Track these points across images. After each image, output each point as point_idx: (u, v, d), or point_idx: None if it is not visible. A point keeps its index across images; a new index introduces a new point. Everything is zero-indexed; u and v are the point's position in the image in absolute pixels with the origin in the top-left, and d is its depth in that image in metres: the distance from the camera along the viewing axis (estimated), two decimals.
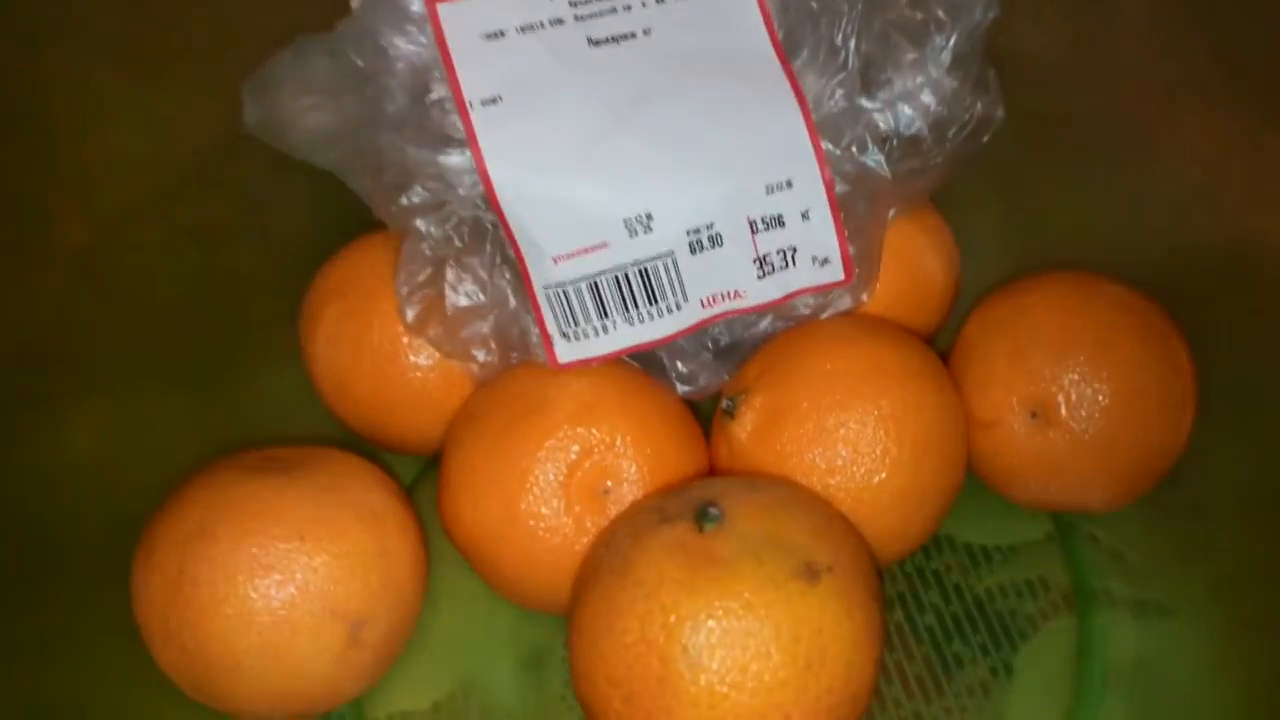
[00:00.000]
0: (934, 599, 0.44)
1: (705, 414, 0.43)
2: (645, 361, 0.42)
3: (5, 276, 0.40)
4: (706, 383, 0.43)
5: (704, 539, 0.34)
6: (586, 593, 0.35)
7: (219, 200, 0.46)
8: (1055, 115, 0.46)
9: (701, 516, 0.34)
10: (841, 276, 0.41)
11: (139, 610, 0.37)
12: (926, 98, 0.38)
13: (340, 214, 0.44)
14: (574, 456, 0.38)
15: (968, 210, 0.46)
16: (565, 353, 0.40)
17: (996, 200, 0.48)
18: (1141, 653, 0.42)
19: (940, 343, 0.45)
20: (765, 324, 0.43)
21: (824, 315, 0.42)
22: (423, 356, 0.42)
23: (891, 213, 0.42)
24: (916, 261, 0.44)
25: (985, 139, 0.40)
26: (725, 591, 0.32)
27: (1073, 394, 0.40)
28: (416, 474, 0.47)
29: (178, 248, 0.45)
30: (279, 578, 0.35)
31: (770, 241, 0.39)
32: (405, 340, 0.42)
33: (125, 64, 0.44)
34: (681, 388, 0.43)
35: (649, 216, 0.38)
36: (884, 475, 0.38)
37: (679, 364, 0.42)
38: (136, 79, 0.44)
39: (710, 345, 0.44)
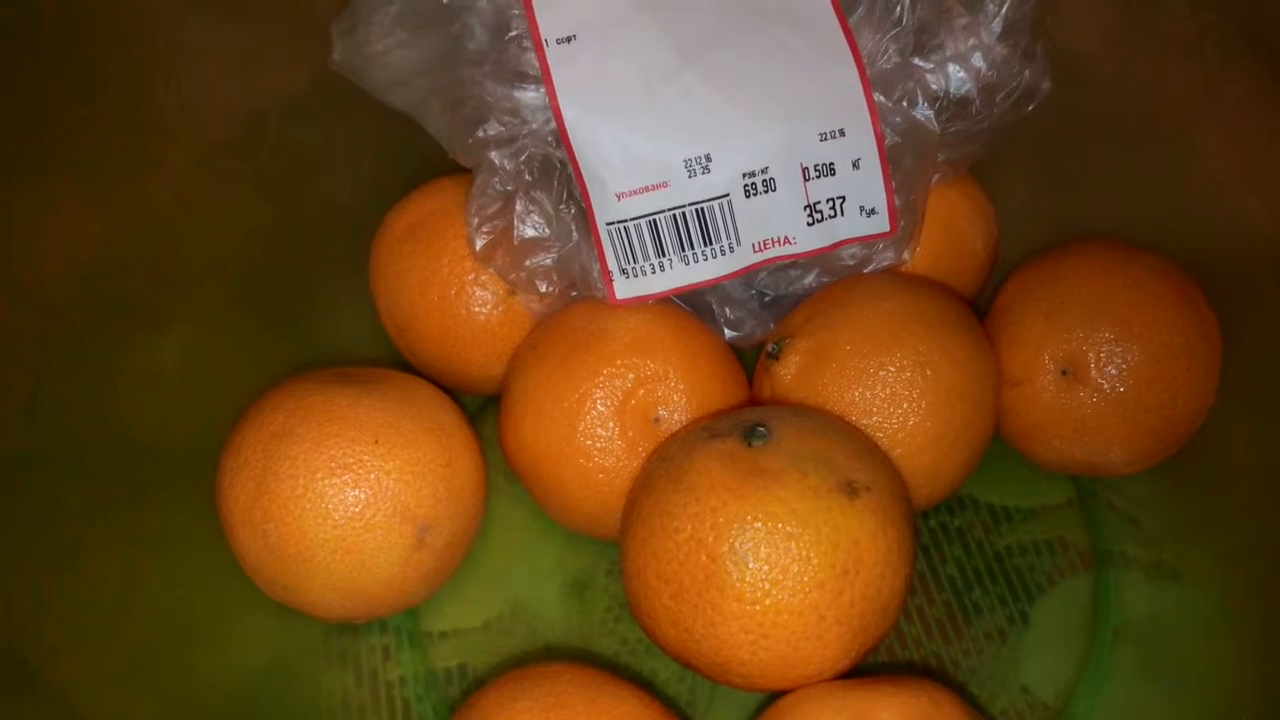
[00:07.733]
0: (956, 552, 0.45)
1: (748, 364, 0.45)
2: (695, 307, 0.44)
3: (113, 200, 0.43)
4: (752, 330, 0.44)
5: (752, 452, 0.35)
6: (641, 499, 0.37)
7: (298, 142, 0.48)
8: (1094, 99, 0.47)
9: (750, 434, 0.36)
10: (887, 228, 0.42)
11: (224, 505, 0.39)
12: (977, 61, 0.39)
13: (405, 162, 0.46)
14: (629, 384, 0.40)
15: (1007, 189, 0.47)
16: (623, 289, 0.41)
17: (1035, 181, 0.49)
18: (1152, 611, 0.43)
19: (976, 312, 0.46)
20: (811, 279, 0.44)
21: (867, 269, 0.43)
22: (487, 294, 0.43)
23: (936, 177, 0.43)
24: (957, 228, 0.45)
25: (1031, 108, 0.41)
26: (771, 498, 0.34)
27: (1103, 352, 0.41)
28: (474, 412, 0.48)
29: (260, 185, 0.47)
30: (354, 477, 0.37)
31: (821, 189, 0.41)
32: (470, 278, 0.43)
33: (217, 5, 0.46)
34: (728, 333, 0.44)
35: (708, 158, 0.39)
36: (919, 418, 0.40)
37: (728, 310, 0.44)
38: (227, 20, 0.45)
39: (756, 298, 0.45)
